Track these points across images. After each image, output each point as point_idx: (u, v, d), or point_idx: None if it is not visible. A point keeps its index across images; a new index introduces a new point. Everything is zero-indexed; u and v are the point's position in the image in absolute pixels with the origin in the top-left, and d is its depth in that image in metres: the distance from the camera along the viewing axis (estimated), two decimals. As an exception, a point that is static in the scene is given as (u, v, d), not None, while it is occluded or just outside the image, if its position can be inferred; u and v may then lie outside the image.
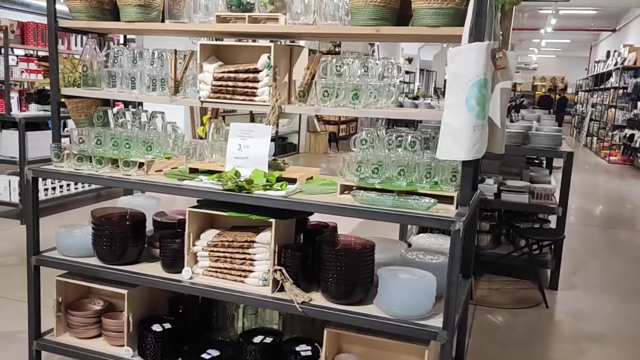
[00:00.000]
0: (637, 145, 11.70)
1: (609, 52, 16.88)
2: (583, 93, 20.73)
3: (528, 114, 6.48)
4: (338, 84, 2.32)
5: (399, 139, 2.33)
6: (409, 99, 12.40)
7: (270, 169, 2.51)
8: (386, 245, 2.64)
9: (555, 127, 4.67)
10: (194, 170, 2.63)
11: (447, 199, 2.19)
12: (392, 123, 7.71)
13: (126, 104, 7.97)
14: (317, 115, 13.15)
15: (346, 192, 2.31)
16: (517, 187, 4.55)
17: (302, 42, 4.42)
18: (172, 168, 2.75)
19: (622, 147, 13.20)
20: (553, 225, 4.74)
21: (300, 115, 12.16)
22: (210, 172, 2.54)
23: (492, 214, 4.86)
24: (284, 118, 11.89)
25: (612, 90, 14.64)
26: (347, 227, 2.11)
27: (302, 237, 2.58)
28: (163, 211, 2.97)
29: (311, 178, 2.64)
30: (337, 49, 17.68)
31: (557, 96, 21.05)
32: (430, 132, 2.37)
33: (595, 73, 17.97)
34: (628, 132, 12.57)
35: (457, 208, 2.15)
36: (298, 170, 2.65)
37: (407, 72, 23.57)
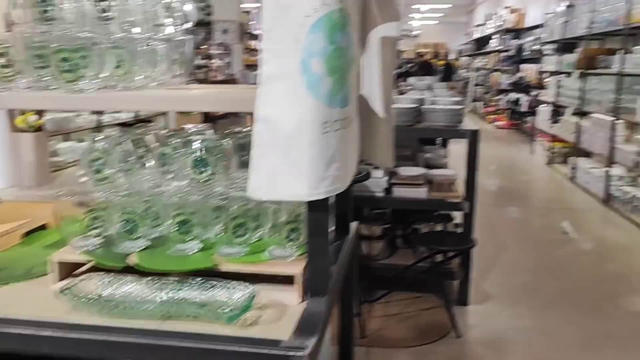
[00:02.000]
0: (524, 109, 11.43)
1: (487, 15, 16.73)
2: (465, 58, 20.73)
3: (418, 82, 5.52)
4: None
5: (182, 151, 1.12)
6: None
7: None
8: None
9: (454, 99, 3.71)
10: None
11: (282, 279, 1.04)
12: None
13: None
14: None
15: (74, 275, 1.08)
16: (411, 177, 3.55)
17: None
18: None
19: (508, 111, 12.98)
20: (459, 218, 3.82)
21: (166, 94, 10.58)
22: None
23: (384, 211, 3.85)
24: (146, 98, 10.25)
25: (494, 53, 14.42)
26: None
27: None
28: None
29: (43, 228, 1.38)
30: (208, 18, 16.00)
31: (442, 62, 20.85)
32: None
33: (476, 37, 17.86)
34: (513, 95, 12.32)
35: (303, 300, 1.01)
36: (10, 213, 1.36)
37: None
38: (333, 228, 1.09)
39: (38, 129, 7.36)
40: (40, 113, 7.14)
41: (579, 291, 3.72)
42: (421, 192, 3.41)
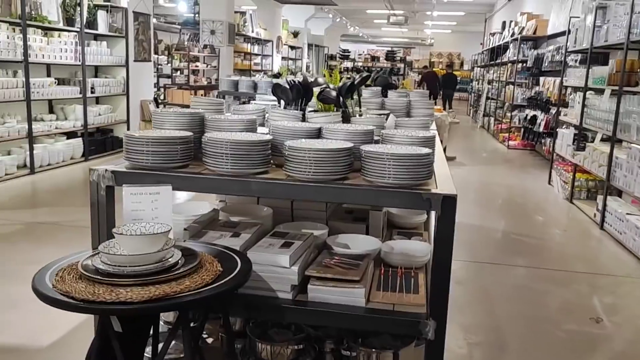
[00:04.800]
0: (541, 129, 9.89)
1: (504, 22, 15.22)
2: (479, 69, 19.20)
3: (398, 97, 4.03)
4: None
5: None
6: (268, 77, 9.87)
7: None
8: None
9: (424, 135, 2.19)
10: None
11: None
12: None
13: None
14: (156, 98, 10.27)
15: None
16: (347, 259, 2.10)
17: None
18: None
19: (522, 130, 11.44)
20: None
21: (127, 98, 9.24)
22: None
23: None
24: (102, 104, 8.92)
25: (509, 64, 12.91)
26: None
27: None
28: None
29: None
30: (196, 17, 14.67)
31: (443, 72, 19.24)
32: None
33: (490, 46, 16.33)
34: (529, 112, 10.78)
35: None
36: None
37: (292, 48, 21.03)
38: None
39: None
40: None
41: None
42: (355, 297, 1.95)
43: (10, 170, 6.83)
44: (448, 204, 1.78)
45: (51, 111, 8.02)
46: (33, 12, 7.15)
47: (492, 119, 14.22)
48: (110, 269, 1.51)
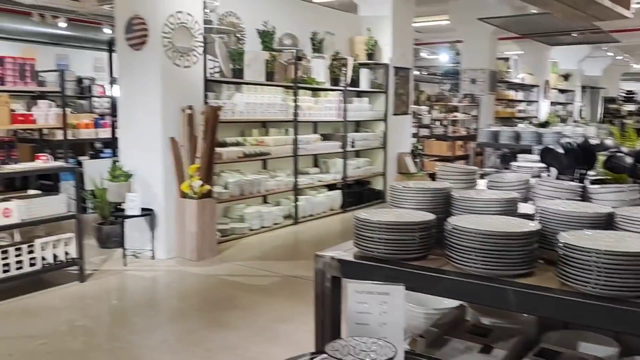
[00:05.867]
0: None
1: None
2: None
3: None
4: None
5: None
6: (533, 125, 8.98)
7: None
8: None
9: None
10: None
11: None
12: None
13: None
14: (413, 150, 10.19)
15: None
16: None
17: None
18: None
19: None
20: None
21: (385, 151, 9.34)
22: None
23: None
24: (361, 157, 9.18)
25: None
26: None
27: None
28: None
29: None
30: (457, 66, 14.43)
31: None
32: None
33: None
34: None
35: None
36: None
37: (562, 91, 19.25)
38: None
39: (204, 195, 6.46)
40: (208, 177, 6.24)
41: None
42: None
43: (278, 220, 7.37)
44: None
45: (315, 165, 8.53)
46: (305, 76, 7.75)
47: None
48: (317, 402, 1.19)
